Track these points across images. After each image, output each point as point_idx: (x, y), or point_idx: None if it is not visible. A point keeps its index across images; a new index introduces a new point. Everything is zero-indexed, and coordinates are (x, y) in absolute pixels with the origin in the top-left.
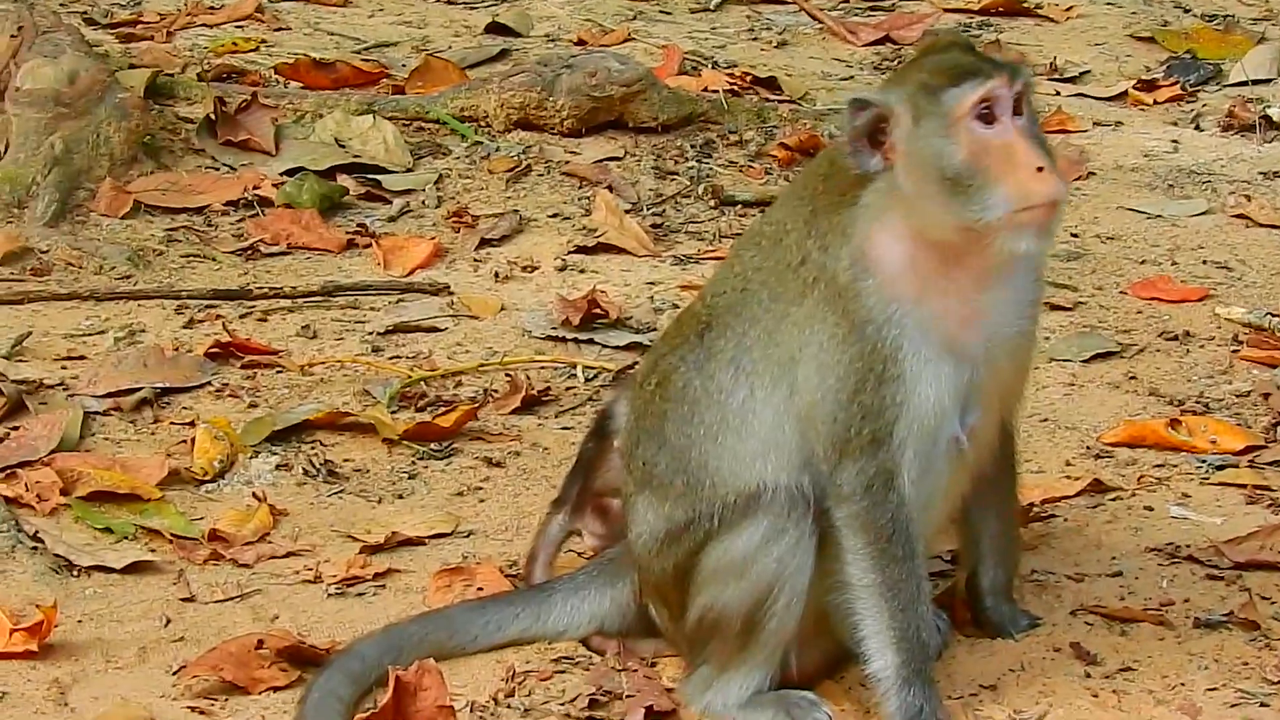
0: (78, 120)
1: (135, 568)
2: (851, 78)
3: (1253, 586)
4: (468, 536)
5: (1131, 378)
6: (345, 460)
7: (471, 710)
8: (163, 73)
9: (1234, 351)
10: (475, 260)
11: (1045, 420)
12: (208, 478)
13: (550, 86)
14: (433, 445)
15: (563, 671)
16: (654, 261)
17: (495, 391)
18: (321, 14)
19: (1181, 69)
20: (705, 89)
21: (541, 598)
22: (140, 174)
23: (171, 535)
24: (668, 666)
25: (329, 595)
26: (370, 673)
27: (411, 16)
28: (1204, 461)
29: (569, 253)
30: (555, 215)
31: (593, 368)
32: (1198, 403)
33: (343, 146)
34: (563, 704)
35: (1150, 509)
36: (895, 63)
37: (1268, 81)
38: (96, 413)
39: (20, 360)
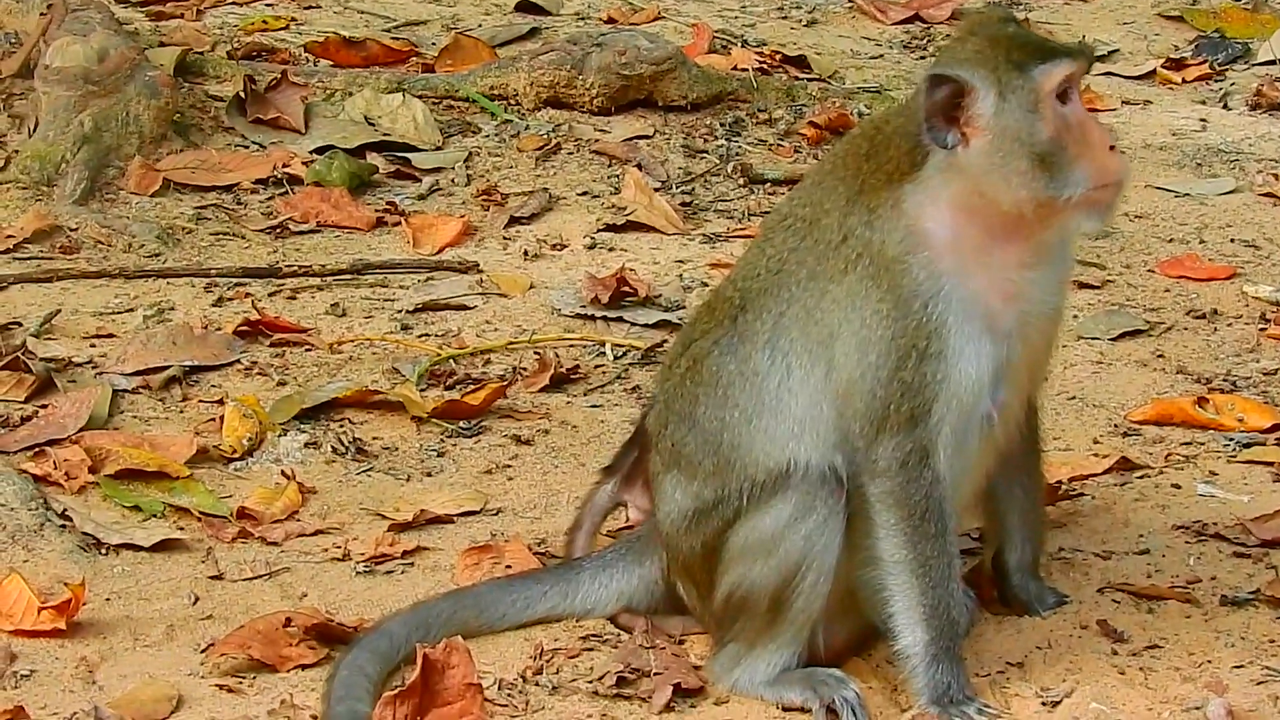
0: (107, 98)
1: (163, 546)
2: (881, 56)
3: (1279, 564)
4: (496, 514)
5: (1159, 356)
6: (374, 438)
7: (500, 688)
8: (192, 51)
9: (1261, 330)
10: (504, 238)
11: (1074, 398)
12: (236, 456)
13: (580, 65)
14: (461, 423)
15: (590, 649)
16: (683, 240)
17: (524, 369)
18: None
19: (1210, 48)
20: (735, 67)
21: (569, 575)
22: (170, 152)
23: (200, 513)
24: (695, 644)
25: (357, 573)
26: (398, 650)
27: None
28: (1231, 439)
29: (598, 231)
30: (584, 193)
31: (621, 345)
32: (1225, 381)
33: (372, 125)
34: (590, 681)
35: (1178, 487)
36: (925, 41)
37: None
38: (125, 391)
39: (49, 338)
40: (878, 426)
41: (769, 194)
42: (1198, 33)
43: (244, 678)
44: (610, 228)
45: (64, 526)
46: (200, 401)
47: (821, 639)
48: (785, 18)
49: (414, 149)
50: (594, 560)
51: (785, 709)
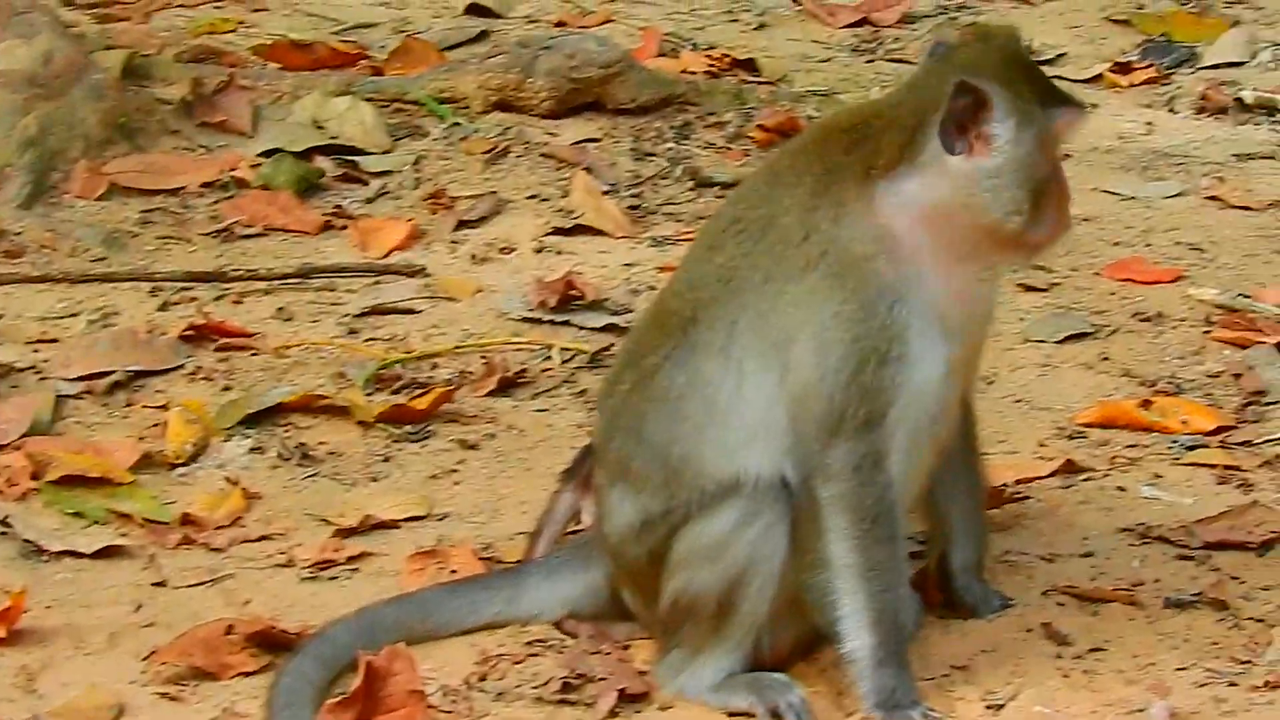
0: (53, 101)
1: (106, 552)
2: (830, 60)
3: (1222, 566)
4: (442, 519)
5: (1105, 358)
6: (320, 443)
7: (444, 694)
8: (140, 54)
9: (1206, 332)
10: (452, 242)
11: (1019, 401)
12: (180, 461)
13: (529, 68)
14: (408, 428)
15: (536, 655)
16: (631, 243)
17: (471, 373)
18: None
19: (1156, 52)
20: (684, 71)
21: (515, 581)
22: (116, 155)
23: (143, 519)
24: (641, 650)
25: (302, 579)
26: (342, 657)
27: None
28: (1176, 442)
29: (546, 234)
30: (533, 197)
31: (569, 349)
32: (1170, 383)
33: (320, 128)
34: (535, 687)
35: (1122, 489)
36: (874, 44)
37: (1241, 65)
38: (69, 396)
39: None
40: (832, 430)
41: (718, 197)
42: (1145, 37)
43: (186, 685)
44: (559, 231)
45: (4, 533)
46: (144, 407)
47: (767, 643)
48: (735, 21)
49: (362, 152)
50: (540, 566)
51: (731, 714)
